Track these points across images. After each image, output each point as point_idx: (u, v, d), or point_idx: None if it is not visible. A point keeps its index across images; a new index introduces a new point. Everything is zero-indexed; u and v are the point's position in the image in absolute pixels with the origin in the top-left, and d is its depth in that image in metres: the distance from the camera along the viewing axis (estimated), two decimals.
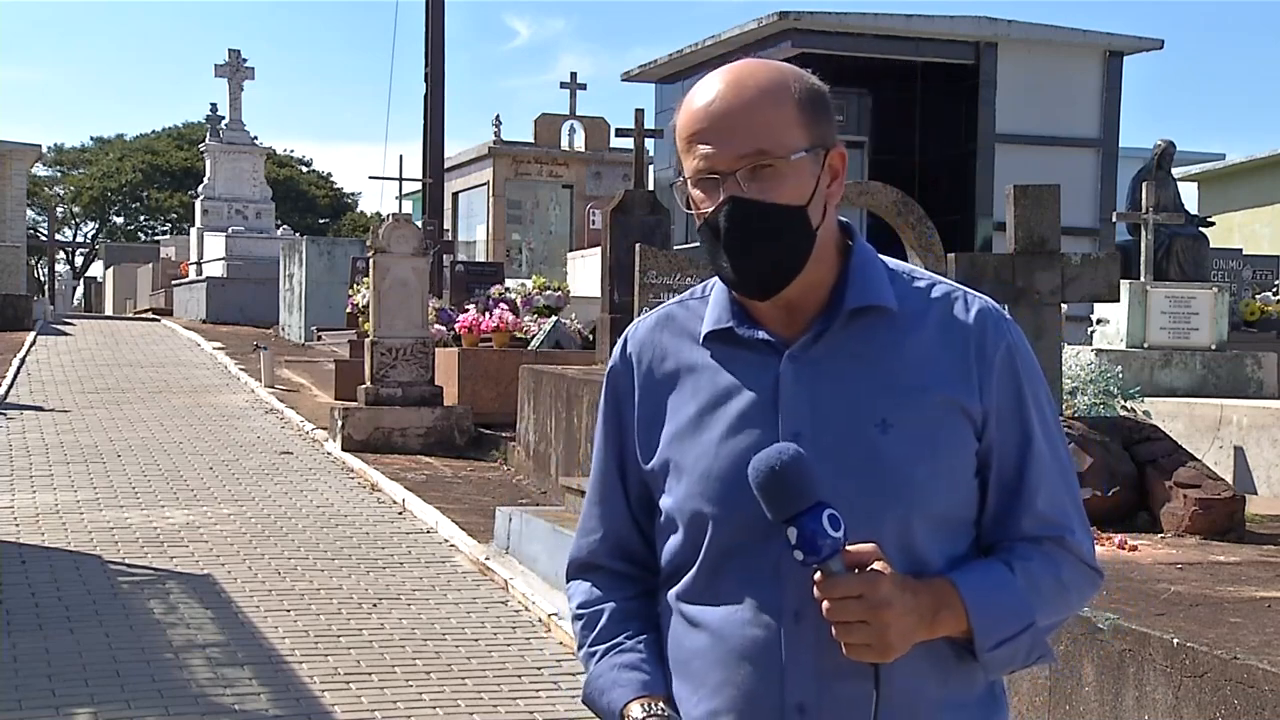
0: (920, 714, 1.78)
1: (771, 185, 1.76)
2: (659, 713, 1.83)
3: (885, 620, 1.67)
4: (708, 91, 1.79)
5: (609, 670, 1.90)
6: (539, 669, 6.51)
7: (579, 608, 1.99)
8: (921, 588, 1.73)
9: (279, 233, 30.82)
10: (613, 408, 1.96)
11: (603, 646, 1.93)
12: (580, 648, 1.97)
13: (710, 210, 1.77)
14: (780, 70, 1.80)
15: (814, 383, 1.80)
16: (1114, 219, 15.05)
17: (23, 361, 19.35)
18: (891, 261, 1.90)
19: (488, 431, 13.40)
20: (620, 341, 1.98)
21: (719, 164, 1.76)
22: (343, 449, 12.92)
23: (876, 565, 1.69)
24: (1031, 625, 1.79)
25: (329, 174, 57.38)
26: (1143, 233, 12.96)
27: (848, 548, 1.68)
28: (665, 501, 1.87)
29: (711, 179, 1.77)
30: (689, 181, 1.80)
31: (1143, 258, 12.75)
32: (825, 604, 1.68)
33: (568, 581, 2.03)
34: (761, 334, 1.84)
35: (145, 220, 54.80)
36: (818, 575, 1.68)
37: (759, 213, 1.76)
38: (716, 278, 1.90)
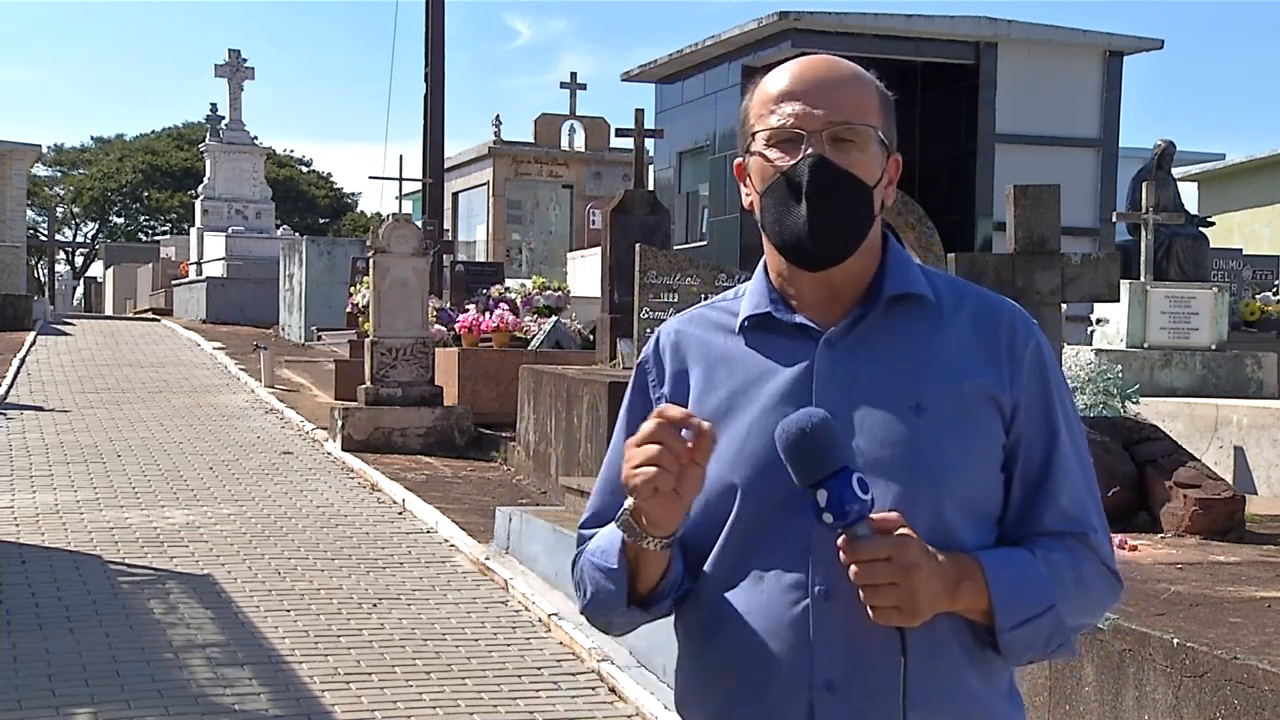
0: (947, 701, 1.79)
1: (850, 157, 1.81)
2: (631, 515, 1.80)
3: (914, 582, 1.69)
4: (797, 66, 1.86)
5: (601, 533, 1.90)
6: (539, 669, 6.51)
7: (578, 552, 1.97)
8: (946, 557, 1.75)
9: (279, 233, 30.82)
10: (640, 398, 1.98)
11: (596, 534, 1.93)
12: (575, 564, 1.95)
13: (789, 165, 1.81)
14: (861, 69, 1.90)
15: (850, 367, 1.83)
16: (1114, 219, 15.06)
17: (23, 361, 19.35)
18: (919, 263, 1.95)
19: (488, 431, 13.39)
20: (653, 336, 2.00)
21: (808, 123, 1.81)
22: (343, 449, 12.91)
23: (902, 531, 1.70)
24: (1052, 608, 1.79)
25: (329, 174, 57.43)
26: (1143, 233, 12.96)
27: (872, 515, 1.70)
28: None
29: (793, 138, 1.81)
30: (765, 140, 1.84)
31: (1143, 258, 12.75)
32: (853, 568, 1.69)
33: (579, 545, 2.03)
34: (799, 319, 1.86)
35: (145, 220, 54.78)
36: (842, 540, 1.70)
37: (839, 176, 1.80)
38: (745, 282, 1.94)
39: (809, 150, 1.80)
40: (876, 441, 1.78)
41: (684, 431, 1.70)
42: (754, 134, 1.85)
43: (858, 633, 1.74)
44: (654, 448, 1.70)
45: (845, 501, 1.67)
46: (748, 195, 1.88)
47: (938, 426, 1.79)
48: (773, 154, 1.83)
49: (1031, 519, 1.86)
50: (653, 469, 1.69)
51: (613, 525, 1.85)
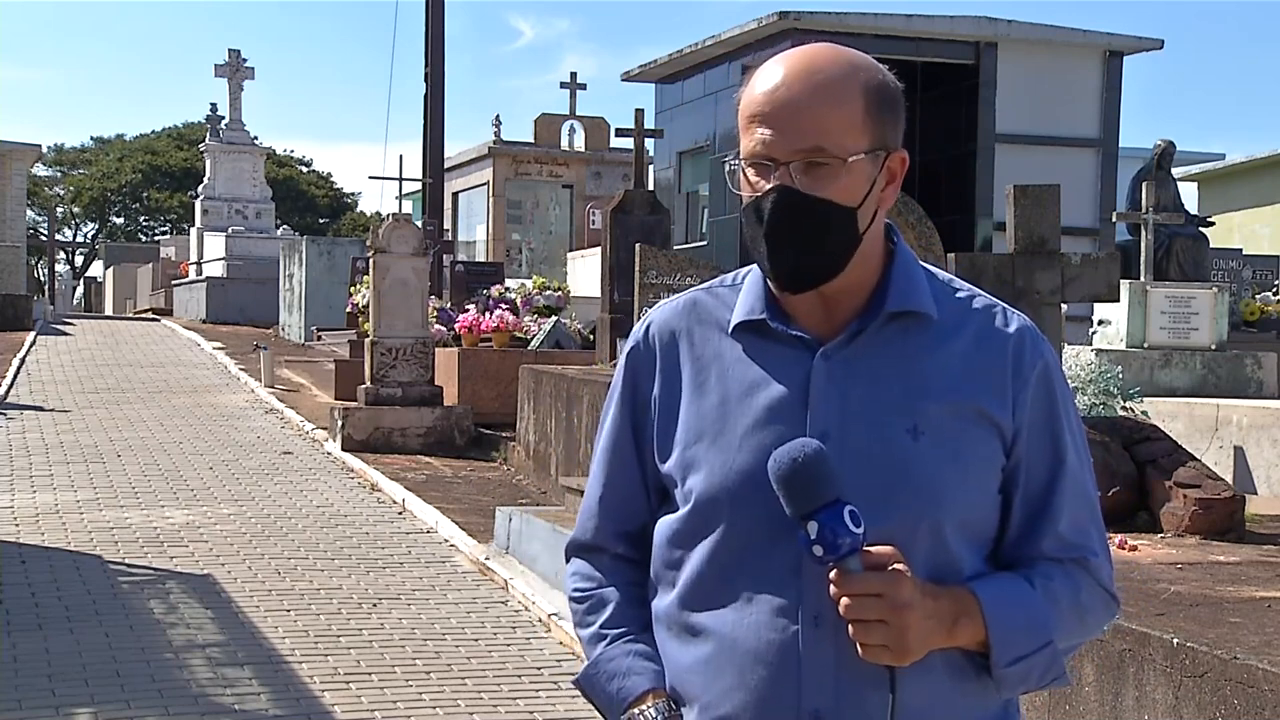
0: None
1: (824, 183, 1.72)
2: (672, 711, 1.79)
3: (906, 621, 1.64)
4: (776, 74, 1.74)
5: (624, 656, 1.84)
6: (539, 669, 6.51)
7: (579, 589, 1.93)
8: (942, 594, 1.69)
9: (279, 233, 30.83)
10: (630, 387, 1.90)
11: (615, 631, 1.87)
12: (584, 627, 1.91)
13: (759, 193, 1.74)
14: (853, 64, 1.76)
15: (846, 383, 1.76)
16: (1114, 219, 15.04)
17: (23, 361, 19.35)
18: (931, 268, 1.86)
19: (488, 431, 13.39)
20: (643, 323, 1.91)
21: (775, 152, 1.72)
22: (343, 449, 12.91)
23: (896, 566, 1.65)
24: (1049, 644, 1.74)
25: (329, 174, 57.37)
26: (1143, 233, 12.96)
27: (866, 549, 1.65)
28: (679, 491, 1.81)
29: (765, 164, 1.74)
30: (745, 158, 1.76)
31: (1143, 258, 12.74)
32: (844, 601, 1.64)
33: (567, 561, 1.98)
34: (795, 330, 1.79)
35: (145, 220, 54.77)
36: (833, 574, 1.65)
37: (806, 207, 1.72)
38: (750, 268, 1.87)
39: (775, 181, 1.72)
40: (872, 465, 1.71)
41: None
42: (740, 144, 1.77)
43: (848, 661, 1.68)
44: None
45: (837, 535, 1.62)
46: None
47: (935, 450, 1.73)
48: (750, 174, 1.75)
49: (1030, 544, 1.80)
50: None
51: (631, 663, 1.84)
